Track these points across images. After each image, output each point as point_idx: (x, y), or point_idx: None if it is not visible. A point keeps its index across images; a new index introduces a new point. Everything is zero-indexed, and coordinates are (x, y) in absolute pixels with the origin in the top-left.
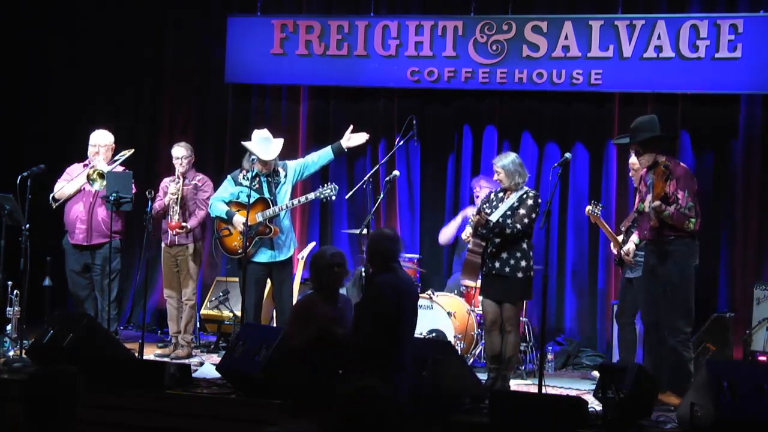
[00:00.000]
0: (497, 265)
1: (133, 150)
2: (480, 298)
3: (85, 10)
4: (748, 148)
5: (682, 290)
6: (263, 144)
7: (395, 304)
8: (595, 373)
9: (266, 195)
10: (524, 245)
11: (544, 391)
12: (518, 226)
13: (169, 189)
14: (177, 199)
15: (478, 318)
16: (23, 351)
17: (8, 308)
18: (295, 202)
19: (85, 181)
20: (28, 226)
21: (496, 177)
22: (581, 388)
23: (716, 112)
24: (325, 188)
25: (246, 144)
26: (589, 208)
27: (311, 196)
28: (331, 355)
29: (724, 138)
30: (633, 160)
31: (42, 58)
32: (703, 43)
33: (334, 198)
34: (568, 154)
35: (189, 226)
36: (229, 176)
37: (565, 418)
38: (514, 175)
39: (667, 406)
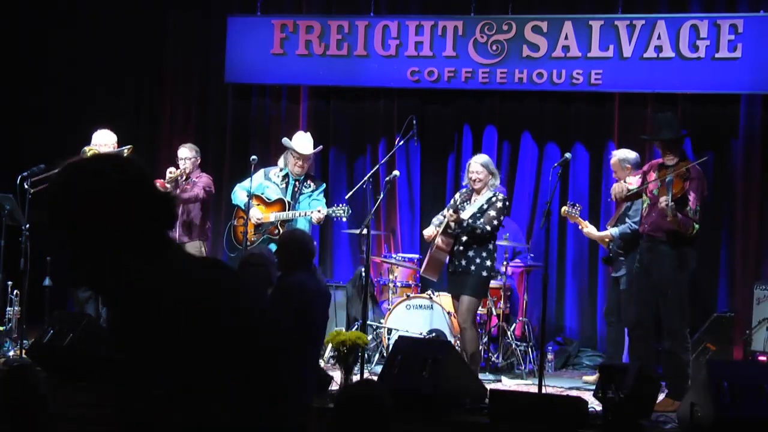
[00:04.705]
0: (463, 263)
1: (132, 146)
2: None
3: (84, 10)
4: (748, 148)
5: (678, 293)
6: (303, 142)
7: (303, 304)
8: (586, 378)
9: (287, 197)
10: (490, 246)
11: (544, 391)
12: (488, 227)
13: (168, 170)
14: (172, 179)
15: (477, 318)
16: (23, 351)
17: (8, 308)
18: (309, 213)
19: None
20: (28, 226)
21: (475, 176)
22: (581, 387)
23: (716, 112)
24: (338, 208)
25: (285, 141)
26: (564, 208)
27: (324, 212)
28: None
29: (724, 138)
30: (614, 160)
31: (42, 58)
32: (703, 43)
33: (344, 219)
34: (568, 154)
35: (176, 195)
36: (262, 169)
37: (565, 418)
38: (494, 173)
39: (664, 412)
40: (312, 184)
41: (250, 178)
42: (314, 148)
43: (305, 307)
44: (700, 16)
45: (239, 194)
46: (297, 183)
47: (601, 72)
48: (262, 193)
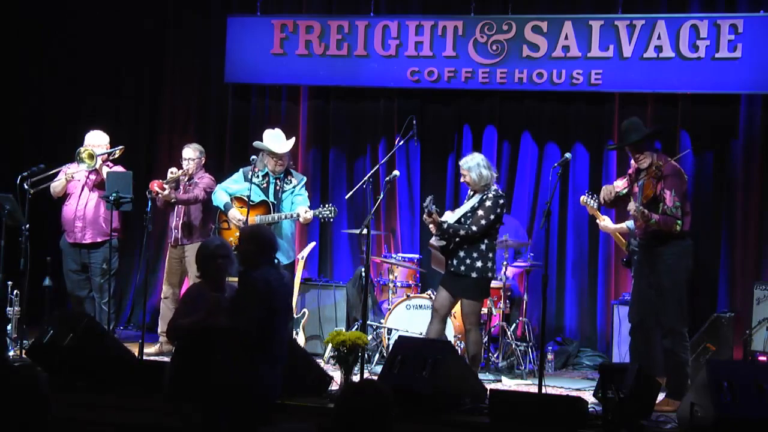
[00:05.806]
0: (455, 262)
1: (123, 147)
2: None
3: (84, 11)
4: (748, 148)
5: (676, 292)
6: (276, 140)
7: (269, 300)
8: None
9: (270, 198)
10: (482, 246)
11: (544, 391)
12: (473, 228)
13: (170, 170)
14: (173, 180)
15: None
16: (23, 351)
17: (8, 308)
18: (295, 215)
19: (76, 167)
20: (28, 226)
21: (462, 179)
22: (581, 387)
23: (716, 112)
24: (325, 209)
25: (258, 143)
26: (583, 198)
27: (311, 213)
28: (211, 344)
29: (724, 138)
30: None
31: (42, 58)
32: (703, 43)
33: (331, 220)
34: (568, 154)
35: (175, 195)
36: (241, 170)
37: (565, 418)
38: (482, 174)
39: (664, 412)
40: (293, 179)
41: (250, 182)
42: (287, 140)
43: (271, 303)
44: (700, 16)
45: (220, 196)
46: (278, 181)
47: (601, 72)
48: (244, 195)
